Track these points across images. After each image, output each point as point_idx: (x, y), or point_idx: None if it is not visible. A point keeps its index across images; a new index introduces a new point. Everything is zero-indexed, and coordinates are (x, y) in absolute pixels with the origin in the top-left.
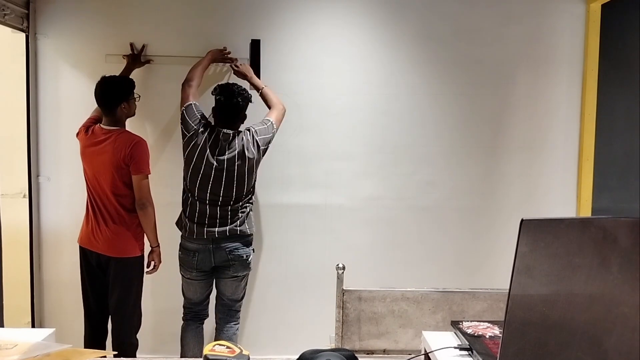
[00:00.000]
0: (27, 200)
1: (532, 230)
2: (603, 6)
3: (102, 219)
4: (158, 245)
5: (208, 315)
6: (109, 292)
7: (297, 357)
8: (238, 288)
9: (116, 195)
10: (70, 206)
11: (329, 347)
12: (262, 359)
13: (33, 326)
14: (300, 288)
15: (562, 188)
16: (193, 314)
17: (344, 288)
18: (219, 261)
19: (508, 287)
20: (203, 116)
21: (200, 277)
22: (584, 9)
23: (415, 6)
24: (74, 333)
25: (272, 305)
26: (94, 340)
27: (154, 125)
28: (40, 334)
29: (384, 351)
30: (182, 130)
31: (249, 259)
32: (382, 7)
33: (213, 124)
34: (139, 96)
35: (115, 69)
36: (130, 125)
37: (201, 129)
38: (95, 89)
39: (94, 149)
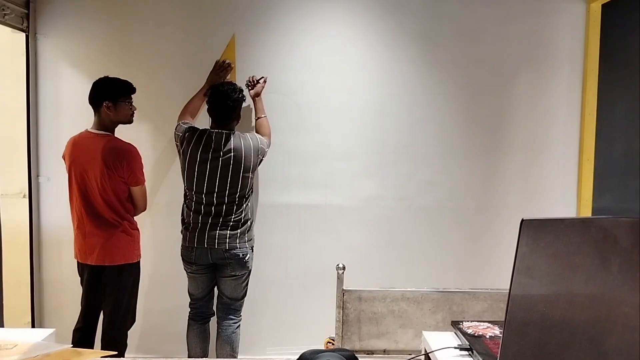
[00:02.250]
0: (27, 200)
1: (532, 230)
2: (603, 6)
3: (95, 229)
4: None
5: (214, 314)
6: (104, 297)
7: (297, 357)
8: (238, 287)
9: (107, 204)
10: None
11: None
12: (262, 359)
13: (33, 326)
14: (300, 288)
15: (562, 188)
16: (196, 312)
17: (344, 288)
18: (216, 258)
19: (508, 287)
20: (192, 127)
21: (201, 270)
22: (584, 9)
23: (416, 6)
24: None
25: (272, 305)
26: (83, 334)
27: (152, 124)
28: (40, 334)
29: (384, 351)
30: (176, 148)
31: (247, 258)
32: (382, 6)
33: (209, 127)
34: (131, 102)
35: (116, 69)
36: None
37: (188, 133)
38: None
39: (81, 155)
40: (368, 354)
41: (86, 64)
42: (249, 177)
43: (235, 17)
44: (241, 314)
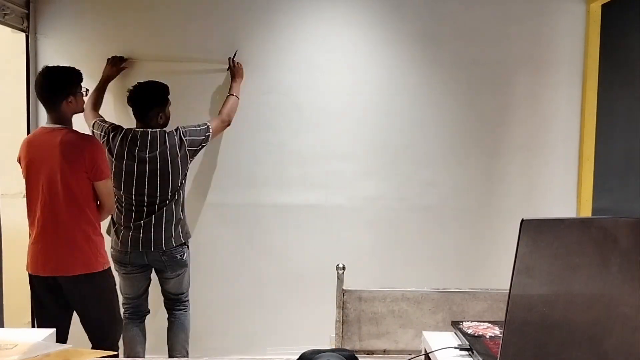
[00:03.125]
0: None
1: (532, 230)
2: (603, 6)
3: (58, 236)
4: None
5: (149, 311)
6: (79, 313)
7: (297, 357)
8: (182, 284)
9: (71, 206)
10: None
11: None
12: (262, 359)
13: (33, 326)
14: (300, 288)
15: (563, 188)
16: (132, 311)
17: (344, 288)
18: (152, 260)
19: (508, 287)
20: (115, 125)
21: (136, 271)
22: (584, 9)
23: (416, 6)
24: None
25: (272, 305)
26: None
27: None
28: (40, 334)
29: (384, 351)
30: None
31: (184, 257)
32: (382, 6)
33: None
34: (87, 90)
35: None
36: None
37: (112, 133)
38: (37, 81)
39: (38, 153)
40: (368, 354)
41: (86, 64)
42: (178, 174)
43: (235, 17)
44: (189, 302)
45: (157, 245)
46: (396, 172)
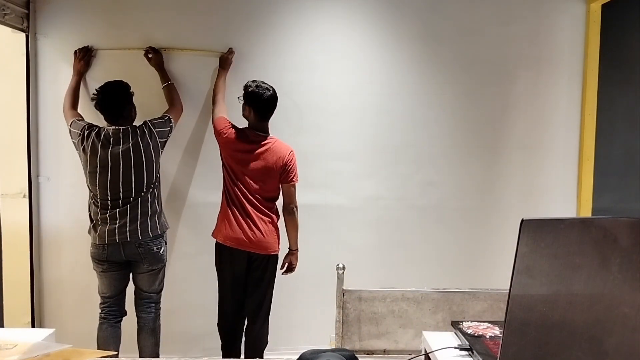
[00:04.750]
0: (27, 200)
1: (532, 230)
2: (603, 6)
3: (252, 220)
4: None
5: (126, 313)
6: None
7: (297, 357)
8: (155, 281)
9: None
10: (70, 206)
11: (329, 347)
12: (262, 358)
13: (33, 326)
14: (300, 288)
15: (563, 188)
16: (108, 311)
17: (344, 288)
18: (129, 254)
19: (508, 287)
20: (90, 124)
21: (114, 268)
22: (584, 9)
23: (416, 6)
24: (74, 333)
25: (273, 305)
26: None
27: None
28: (40, 334)
29: (384, 351)
30: (74, 145)
31: (162, 251)
32: (382, 6)
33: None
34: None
35: (116, 69)
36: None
37: (87, 131)
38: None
39: (249, 155)
40: (368, 354)
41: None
42: (152, 165)
43: (235, 17)
44: (160, 307)
45: (133, 236)
46: (396, 172)
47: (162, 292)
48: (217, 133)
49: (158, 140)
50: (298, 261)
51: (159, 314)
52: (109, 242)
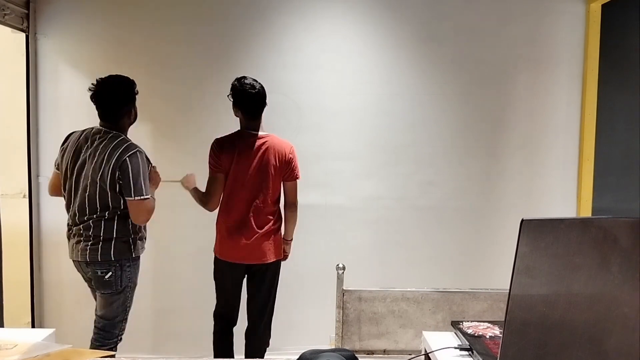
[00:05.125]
0: (27, 200)
1: (532, 230)
2: (603, 6)
3: (254, 223)
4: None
5: (120, 341)
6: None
7: (297, 357)
8: (105, 306)
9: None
10: None
11: (329, 347)
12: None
13: (33, 326)
14: (300, 288)
15: (563, 188)
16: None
17: (344, 288)
18: (85, 272)
19: (508, 287)
20: (70, 134)
21: (89, 283)
22: (584, 9)
23: (416, 6)
24: (74, 333)
25: None
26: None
27: (152, 124)
28: (40, 334)
29: (384, 351)
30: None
31: (109, 278)
32: (382, 7)
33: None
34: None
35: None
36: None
37: (65, 138)
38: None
39: (247, 159)
40: (368, 354)
41: (86, 64)
42: (106, 194)
43: (236, 17)
44: (113, 340)
45: (81, 255)
46: (396, 172)
47: (120, 328)
48: (215, 168)
49: (117, 175)
50: (291, 250)
51: (107, 346)
52: (74, 259)
